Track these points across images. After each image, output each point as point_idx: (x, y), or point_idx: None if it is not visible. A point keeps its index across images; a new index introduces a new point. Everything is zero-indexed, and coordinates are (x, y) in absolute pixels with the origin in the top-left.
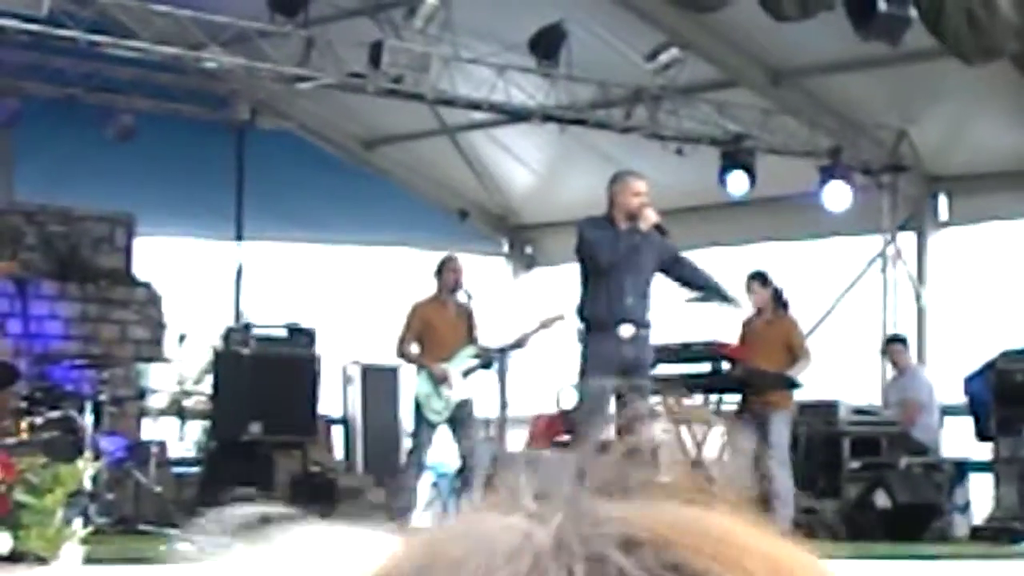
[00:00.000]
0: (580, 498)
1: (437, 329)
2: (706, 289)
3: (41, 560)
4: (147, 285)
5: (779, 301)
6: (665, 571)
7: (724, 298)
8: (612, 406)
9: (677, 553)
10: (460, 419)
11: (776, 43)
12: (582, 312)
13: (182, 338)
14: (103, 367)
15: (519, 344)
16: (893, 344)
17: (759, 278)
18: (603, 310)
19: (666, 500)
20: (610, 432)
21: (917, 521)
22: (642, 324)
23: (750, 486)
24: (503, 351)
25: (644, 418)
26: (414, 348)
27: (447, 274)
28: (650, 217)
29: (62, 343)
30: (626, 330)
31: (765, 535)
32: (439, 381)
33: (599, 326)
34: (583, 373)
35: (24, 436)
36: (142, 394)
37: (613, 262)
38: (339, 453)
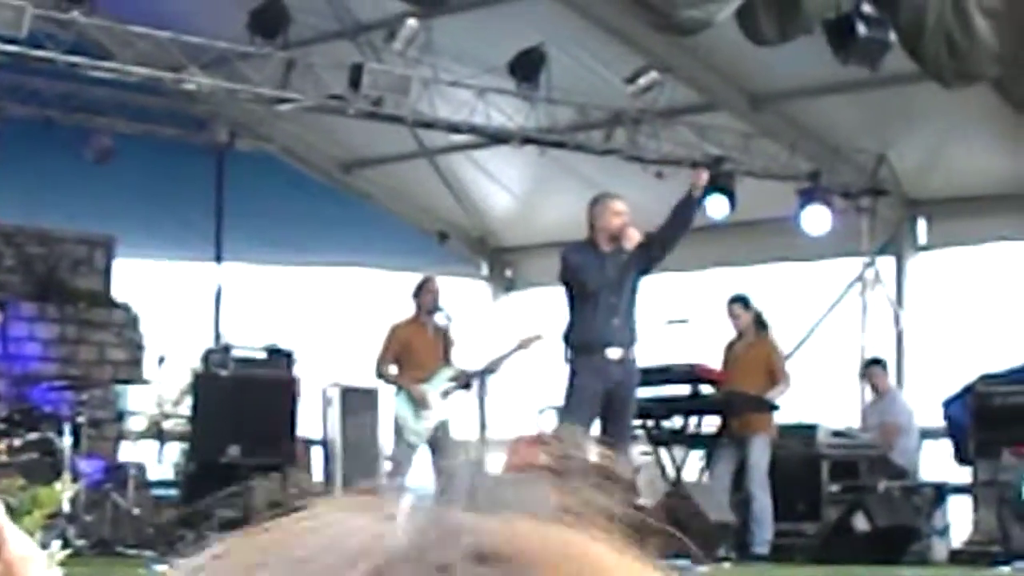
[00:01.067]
0: (444, 506)
1: (415, 350)
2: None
3: None
4: (126, 307)
5: (760, 324)
6: None
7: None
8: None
9: (531, 571)
10: (439, 441)
11: (756, 67)
12: (569, 337)
13: (161, 360)
14: (82, 389)
15: (497, 365)
16: (872, 367)
17: (740, 301)
18: (591, 334)
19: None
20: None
21: (896, 544)
22: (629, 346)
23: (727, 508)
24: (481, 372)
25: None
26: (392, 369)
27: (424, 295)
28: (633, 236)
29: (40, 365)
30: (614, 352)
31: (639, 567)
32: (418, 402)
33: (587, 349)
34: (570, 396)
35: (2, 458)
36: (121, 416)
37: (600, 286)
38: (318, 475)
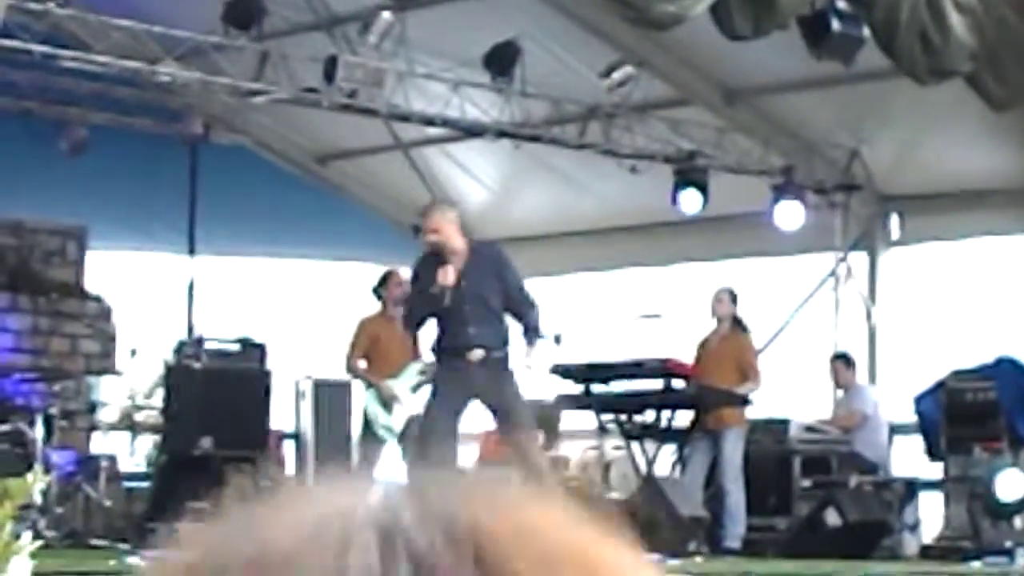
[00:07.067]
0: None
1: (384, 345)
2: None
3: None
4: (98, 298)
5: (739, 324)
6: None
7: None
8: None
9: (496, 548)
10: (409, 435)
11: (730, 62)
12: (434, 346)
13: (133, 352)
14: (54, 380)
15: None
16: (835, 362)
17: (729, 293)
18: (448, 341)
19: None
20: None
21: (867, 539)
22: (494, 348)
23: (699, 503)
24: None
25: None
26: (362, 364)
27: (392, 288)
28: (449, 249)
29: (12, 356)
30: (476, 355)
31: (568, 524)
32: (387, 397)
33: (447, 355)
34: (430, 403)
35: None
36: (93, 408)
37: (440, 294)
38: (290, 468)
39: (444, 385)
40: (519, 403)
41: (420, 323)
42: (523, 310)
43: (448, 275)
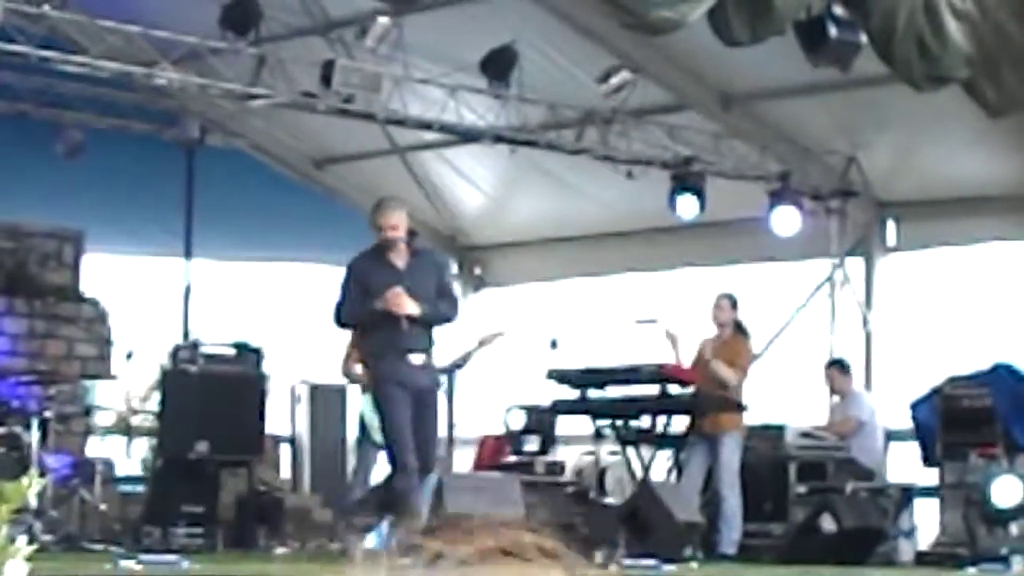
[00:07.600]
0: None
1: None
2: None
3: None
4: (95, 302)
5: (740, 329)
6: None
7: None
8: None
9: None
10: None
11: (727, 67)
12: (372, 348)
13: (129, 355)
14: (49, 384)
15: (461, 363)
16: (830, 368)
17: (729, 299)
18: (387, 342)
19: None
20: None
21: (863, 546)
22: (429, 352)
23: (695, 508)
24: (446, 371)
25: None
26: (358, 368)
27: None
28: (399, 248)
29: (8, 359)
30: (416, 358)
31: None
32: None
33: (387, 357)
34: (384, 405)
35: None
36: (88, 411)
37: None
38: (286, 472)
39: (390, 389)
40: (435, 423)
41: (354, 324)
42: (444, 302)
43: (403, 305)
